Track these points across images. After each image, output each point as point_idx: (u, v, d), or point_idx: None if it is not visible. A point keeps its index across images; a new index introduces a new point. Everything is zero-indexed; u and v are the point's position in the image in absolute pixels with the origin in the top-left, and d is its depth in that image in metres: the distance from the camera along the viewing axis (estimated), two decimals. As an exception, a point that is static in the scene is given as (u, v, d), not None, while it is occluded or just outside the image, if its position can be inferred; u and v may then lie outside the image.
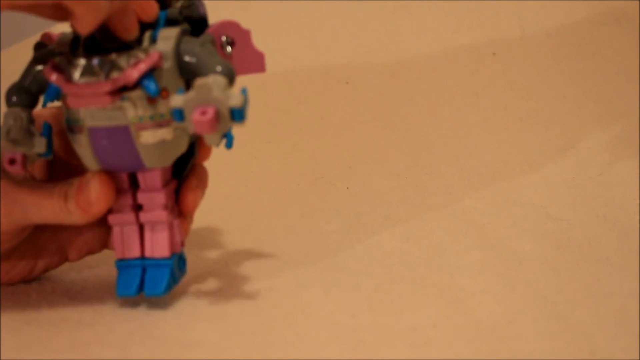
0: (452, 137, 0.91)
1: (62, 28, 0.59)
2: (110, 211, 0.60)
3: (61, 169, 0.63)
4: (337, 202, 0.76)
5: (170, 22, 0.58)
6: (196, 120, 0.52)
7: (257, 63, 0.60)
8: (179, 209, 0.60)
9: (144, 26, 0.57)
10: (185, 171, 0.61)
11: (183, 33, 0.57)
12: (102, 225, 0.62)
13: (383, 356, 0.52)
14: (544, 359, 0.52)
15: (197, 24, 0.59)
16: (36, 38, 1.07)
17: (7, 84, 0.99)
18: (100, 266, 0.65)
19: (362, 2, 1.02)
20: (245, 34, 0.60)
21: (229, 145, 0.60)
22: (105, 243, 0.63)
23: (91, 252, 0.63)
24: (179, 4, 0.58)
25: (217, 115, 0.53)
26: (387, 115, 0.92)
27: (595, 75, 0.95)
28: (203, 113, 0.52)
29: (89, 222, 0.60)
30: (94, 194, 0.57)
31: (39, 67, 0.58)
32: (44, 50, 0.59)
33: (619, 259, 0.65)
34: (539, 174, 0.84)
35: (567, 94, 0.94)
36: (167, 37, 0.56)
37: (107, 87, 0.54)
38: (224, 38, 0.60)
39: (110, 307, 0.59)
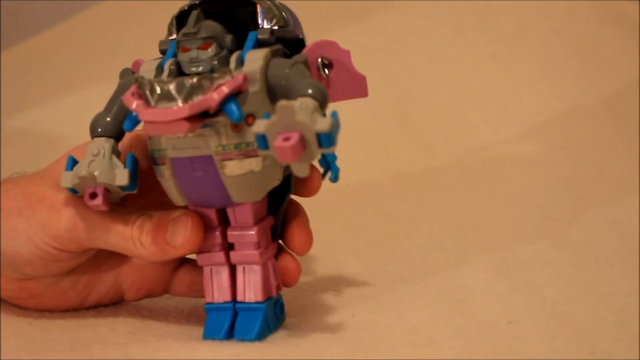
0: (452, 137, 0.91)
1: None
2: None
3: (134, 201, 0.57)
4: (337, 199, 0.76)
5: (262, 44, 0.53)
6: (278, 147, 0.47)
7: (358, 87, 0.55)
8: (290, 249, 0.56)
9: (231, 50, 0.52)
10: (281, 207, 0.56)
11: (274, 54, 0.52)
12: (168, 266, 0.58)
13: (383, 356, 0.52)
14: (544, 359, 0.52)
15: (293, 45, 0.54)
16: (36, 38, 1.07)
17: (7, 84, 1.00)
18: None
19: (362, 2, 1.02)
20: (345, 55, 0.54)
21: (334, 178, 0.56)
22: (167, 287, 0.59)
23: (150, 294, 0.59)
24: (271, 25, 0.53)
25: (303, 142, 0.47)
26: (387, 115, 0.93)
27: (595, 75, 0.96)
28: (286, 139, 0.47)
29: (158, 262, 0.56)
30: (182, 238, 0.53)
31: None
32: (129, 78, 0.54)
33: (619, 259, 0.65)
34: (539, 174, 0.84)
35: (567, 94, 0.94)
36: (255, 59, 0.51)
37: (184, 112, 0.49)
38: (320, 60, 0.54)
39: (111, 307, 0.59)
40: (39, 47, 1.06)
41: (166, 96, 0.50)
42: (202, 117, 0.50)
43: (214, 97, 0.49)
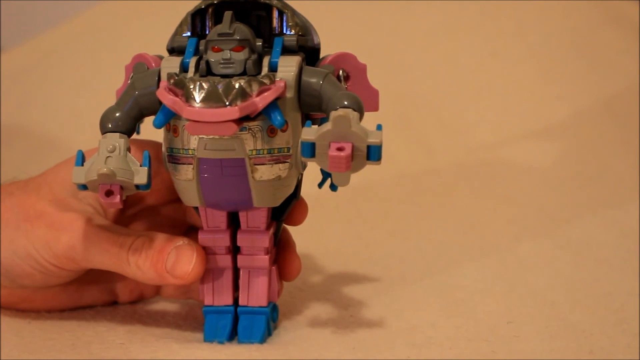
0: (452, 137, 0.91)
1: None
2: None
3: (132, 204, 0.57)
4: (337, 200, 0.77)
5: (286, 51, 0.52)
6: (332, 156, 0.47)
7: (370, 100, 0.55)
8: (282, 274, 0.55)
9: (261, 53, 0.51)
10: (285, 213, 0.55)
11: (302, 62, 0.52)
12: None
13: (382, 356, 0.52)
14: (543, 358, 0.52)
15: (308, 54, 0.54)
16: (37, 39, 1.07)
17: (7, 84, 1.00)
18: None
19: (362, 2, 1.02)
20: (361, 69, 0.54)
21: (334, 187, 0.56)
22: (158, 288, 0.59)
23: (142, 296, 0.59)
24: (294, 33, 0.53)
25: (353, 153, 0.47)
26: (387, 115, 0.92)
27: (595, 76, 0.96)
28: (340, 149, 0.47)
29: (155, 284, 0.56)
30: (184, 270, 0.52)
31: (141, 91, 0.51)
32: (146, 72, 0.52)
33: (618, 259, 0.66)
34: (538, 174, 0.84)
35: (567, 94, 0.94)
36: (289, 66, 0.51)
37: (234, 114, 0.48)
38: (340, 72, 0.54)
39: (110, 307, 0.59)
40: (40, 48, 1.06)
41: (213, 96, 0.49)
42: (241, 120, 0.49)
43: (259, 102, 0.49)
